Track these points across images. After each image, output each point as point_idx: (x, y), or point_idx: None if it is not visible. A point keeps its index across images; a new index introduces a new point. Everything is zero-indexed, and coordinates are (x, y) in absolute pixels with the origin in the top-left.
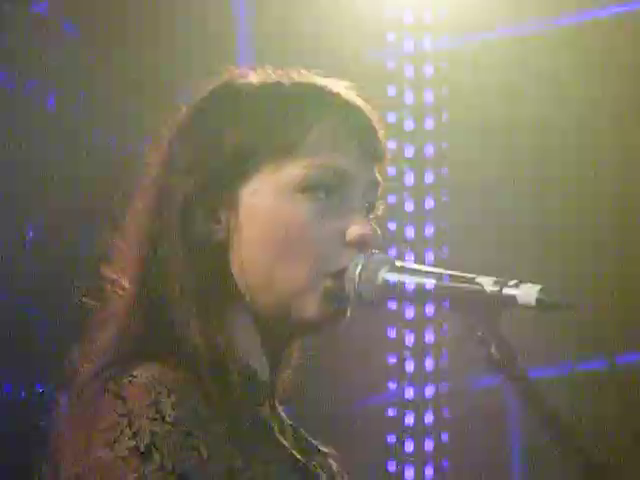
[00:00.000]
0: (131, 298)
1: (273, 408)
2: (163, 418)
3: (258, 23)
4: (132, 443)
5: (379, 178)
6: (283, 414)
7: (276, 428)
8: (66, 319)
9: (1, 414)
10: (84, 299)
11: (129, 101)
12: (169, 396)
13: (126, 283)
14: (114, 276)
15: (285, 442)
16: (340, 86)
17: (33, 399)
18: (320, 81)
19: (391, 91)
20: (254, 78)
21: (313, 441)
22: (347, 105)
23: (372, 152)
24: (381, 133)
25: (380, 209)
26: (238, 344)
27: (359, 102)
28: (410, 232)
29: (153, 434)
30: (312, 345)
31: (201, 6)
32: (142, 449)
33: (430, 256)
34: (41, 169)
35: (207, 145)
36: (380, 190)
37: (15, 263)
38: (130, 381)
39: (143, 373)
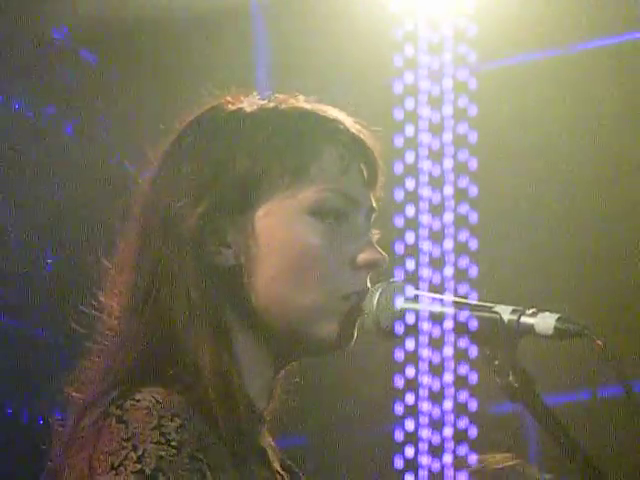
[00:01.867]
0: (130, 324)
1: (264, 436)
2: (168, 442)
3: (276, 52)
4: (138, 467)
5: (375, 205)
6: (272, 442)
7: (269, 455)
8: (80, 345)
9: (3, 438)
10: (75, 326)
11: (147, 128)
12: (172, 420)
13: (122, 310)
14: (110, 302)
15: (280, 470)
16: (340, 113)
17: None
18: (321, 107)
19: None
20: (247, 104)
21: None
22: (349, 131)
23: (372, 178)
24: (380, 159)
25: (375, 236)
26: (244, 371)
27: (359, 128)
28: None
29: (159, 458)
30: (301, 370)
31: (220, 33)
32: (148, 473)
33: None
34: (60, 196)
35: (214, 170)
36: (374, 217)
37: (33, 290)
38: (133, 405)
39: (146, 397)
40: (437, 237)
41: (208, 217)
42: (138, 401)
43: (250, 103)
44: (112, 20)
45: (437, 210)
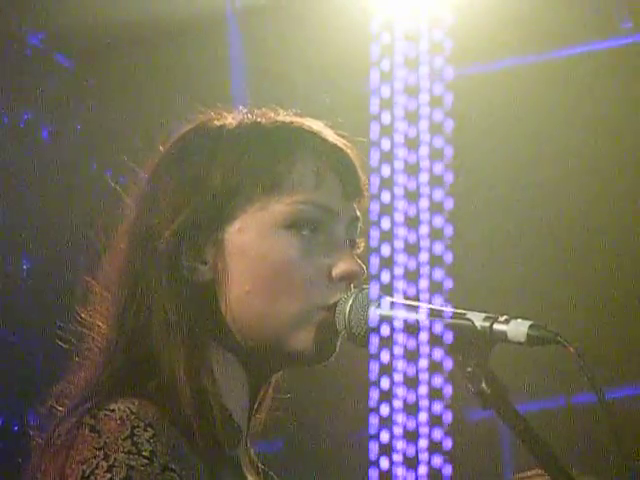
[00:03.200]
0: (111, 338)
1: (245, 449)
2: (139, 452)
3: (251, 58)
4: (108, 476)
5: (359, 215)
6: (254, 456)
7: (246, 469)
8: (62, 352)
9: None
10: (59, 342)
11: (123, 133)
12: (146, 430)
13: (104, 325)
14: (92, 319)
15: None
16: (319, 125)
17: (26, 432)
18: (299, 120)
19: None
20: (231, 119)
21: None
22: (327, 143)
23: (353, 189)
24: (360, 170)
25: (361, 246)
26: (221, 387)
27: (338, 139)
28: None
29: (129, 468)
30: (290, 382)
31: (195, 39)
32: None
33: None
34: (36, 201)
35: (190, 186)
36: (359, 227)
37: (10, 295)
38: (107, 414)
39: (121, 407)
40: (412, 250)
41: (184, 233)
42: (112, 411)
43: (232, 119)
44: (88, 26)
45: (413, 221)
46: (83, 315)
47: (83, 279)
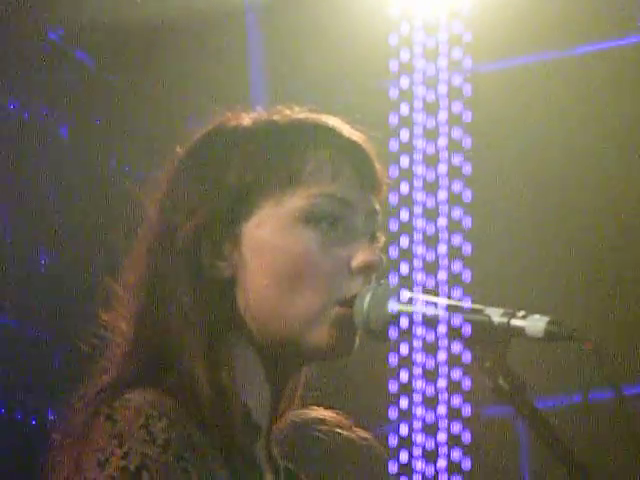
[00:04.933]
0: (131, 336)
1: (267, 449)
2: (154, 441)
3: (270, 56)
4: (123, 463)
5: (378, 207)
6: (276, 454)
7: (264, 467)
8: (79, 346)
9: (12, 441)
10: (83, 346)
11: (142, 129)
12: (160, 419)
13: (125, 324)
14: (114, 322)
15: None
16: (334, 120)
17: (44, 426)
18: (314, 116)
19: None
20: (247, 119)
21: None
22: (342, 137)
23: (370, 181)
24: (377, 163)
25: (382, 239)
26: (240, 383)
27: (354, 134)
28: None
29: (144, 455)
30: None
31: (214, 37)
32: (132, 470)
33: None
34: (54, 198)
35: (208, 185)
36: (380, 220)
37: (29, 290)
38: (122, 403)
39: (136, 396)
40: (431, 241)
41: (202, 230)
42: (128, 400)
43: (248, 118)
44: (108, 22)
45: (431, 214)
46: (103, 316)
47: (103, 279)
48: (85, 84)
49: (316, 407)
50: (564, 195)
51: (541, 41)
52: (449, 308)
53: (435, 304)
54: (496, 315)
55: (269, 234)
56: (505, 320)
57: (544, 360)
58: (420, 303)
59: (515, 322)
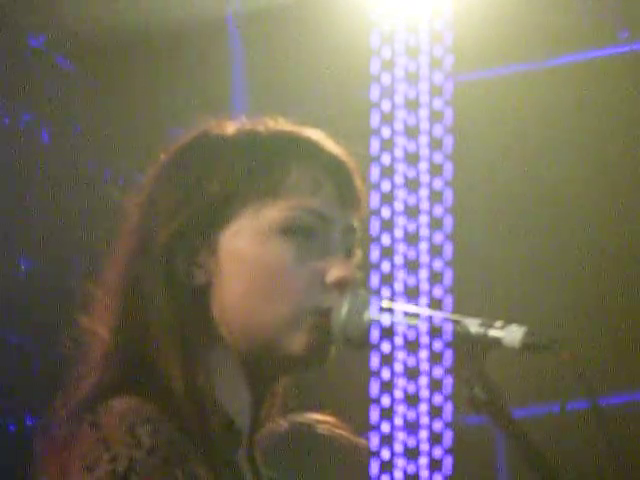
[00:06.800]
0: (110, 341)
1: (250, 457)
2: (140, 445)
3: (252, 66)
4: (110, 467)
5: (356, 224)
6: (259, 461)
7: (246, 473)
8: (59, 352)
9: None
10: (58, 346)
11: (123, 134)
12: (144, 425)
13: (104, 332)
14: (93, 327)
15: None
16: (318, 134)
17: (23, 432)
18: (297, 128)
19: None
20: (231, 128)
21: None
22: (324, 151)
23: (350, 198)
24: (358, 180)
25: (358, 255)
26: (219, 390)
27: (336, 149)
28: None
29: (131, 459)
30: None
31: (196, 47)
32: (121, 473)
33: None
34: (35, 202)
35: (188, 191)
36: (357, 237)
37: (8, 295)
38: (106, 410)
39: (120, 403)
40: (412, 240)
41: (179, 236)
42: (111, 407)
43: (232, 127)
44: (89, 29)
45: (412, 212)
46: (83, 320)
47: (83, 284)
48: (66, 89)
49: (309, 413)
50: (548, 198)
51: (520, 52)
52: (425, 318)
53: (414, 314)
54: (473, 325)
55: (246, 244)
56: (482, 330)
57: (523, 370)
58: (398, 313)
59: (492, 332)
